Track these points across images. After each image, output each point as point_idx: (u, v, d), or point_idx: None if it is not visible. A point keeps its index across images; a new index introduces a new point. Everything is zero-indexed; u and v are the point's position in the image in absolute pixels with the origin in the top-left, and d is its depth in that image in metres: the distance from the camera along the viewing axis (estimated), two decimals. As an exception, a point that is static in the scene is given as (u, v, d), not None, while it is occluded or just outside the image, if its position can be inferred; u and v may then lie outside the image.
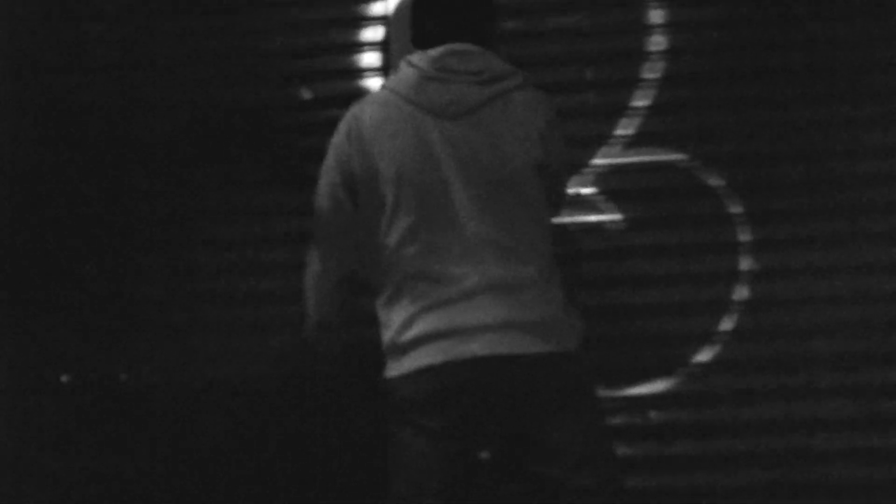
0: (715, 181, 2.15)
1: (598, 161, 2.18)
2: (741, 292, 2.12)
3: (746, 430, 2.08)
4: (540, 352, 1.31)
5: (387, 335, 1.38)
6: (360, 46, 2.25)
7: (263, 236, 2.23)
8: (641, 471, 2.06)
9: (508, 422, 1.36)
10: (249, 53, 2.29)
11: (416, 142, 1.36)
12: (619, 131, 2.18)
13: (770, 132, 2.16)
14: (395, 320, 1.36)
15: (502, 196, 1.36)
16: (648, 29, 2.20)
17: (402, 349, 1.34)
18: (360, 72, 2.25)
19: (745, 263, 2.13)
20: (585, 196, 2.18)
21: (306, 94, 2.26)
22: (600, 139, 2.19)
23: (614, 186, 2.18)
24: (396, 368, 1.35)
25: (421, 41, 1.49)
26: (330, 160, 1.46)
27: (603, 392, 2.15)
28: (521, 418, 1.35)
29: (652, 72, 2.19)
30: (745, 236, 2.14)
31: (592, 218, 2.18)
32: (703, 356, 2.13)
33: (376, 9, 2.25)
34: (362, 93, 2.20)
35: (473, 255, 1.33)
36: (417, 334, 1.33)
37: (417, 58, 1.43)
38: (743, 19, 2.19)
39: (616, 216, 2.18)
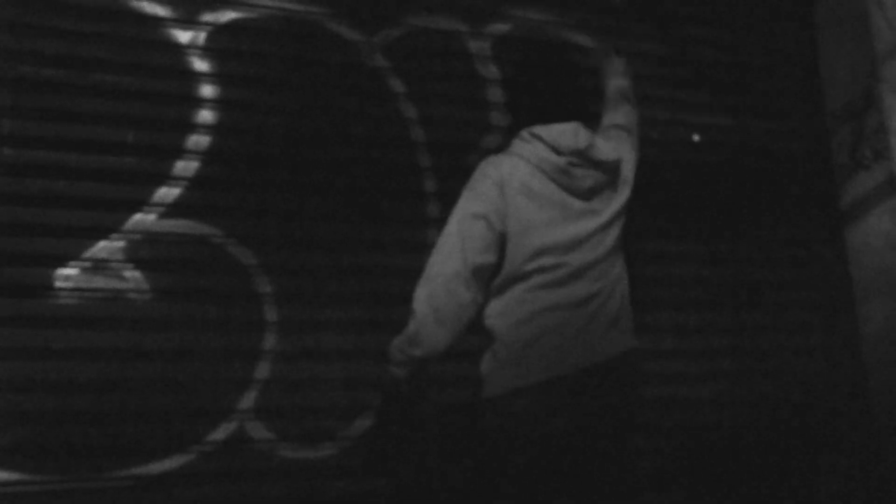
0: (247, 259, 2.19)
1: (129, 227, 2.10)
2: (263, 370, 2.16)
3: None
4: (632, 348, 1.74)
5: (502, 352, 1.65)
6: None
7: None
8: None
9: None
10: None
11: (560, 214, 1.70)
12: (156, 199, 2.14)
13: (304, 219, 2.25)
14: (521, 335, 1.64)
15: (609, 244, 1.77)
16: (198, 102, 2.21)
17: (526, 358, 1.63)
18: None
19: (269, 342, 2.17)
20: (111, 263, 2.08)
21: None
22: (135, 205, 2.11)
23: (143, 255, 2.11)
24: (520, 379, 1.62)
25: (536, 115, 1.78)
26: (477, 203, 1.68)
27: (114, 471, 2.04)
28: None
29: (197, 145, 2.19)
30: (271, 316, 2.18)
31: (116, 285, 2.08)
32: (220, 433, 2.11)
33: None
34: None
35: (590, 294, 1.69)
36: (545, 347, 1.62)
37: (557, 139, 1.72)
38: (292, 106, 2.29)
39: (142, 285, 2.10)
